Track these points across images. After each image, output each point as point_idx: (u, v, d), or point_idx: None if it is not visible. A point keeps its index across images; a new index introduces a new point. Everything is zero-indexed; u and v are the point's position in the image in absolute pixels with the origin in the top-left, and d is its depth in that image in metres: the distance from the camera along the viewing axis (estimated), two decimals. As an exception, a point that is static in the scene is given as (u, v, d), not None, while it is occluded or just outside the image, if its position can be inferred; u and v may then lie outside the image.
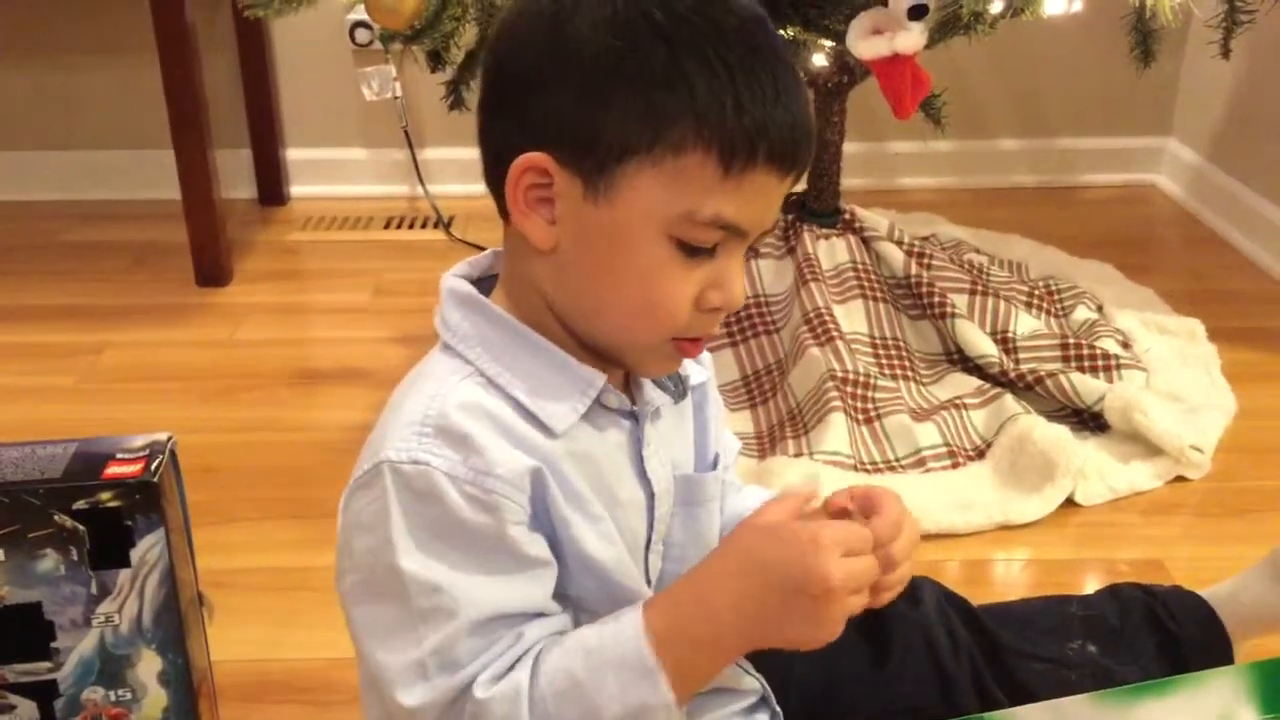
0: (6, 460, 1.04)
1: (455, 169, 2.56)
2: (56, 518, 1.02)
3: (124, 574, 1.04)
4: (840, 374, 1.66)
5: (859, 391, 1.67)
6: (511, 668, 0.74)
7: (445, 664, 0.73)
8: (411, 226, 2.52)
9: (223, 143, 2.29)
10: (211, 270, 2.22)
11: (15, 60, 2.53)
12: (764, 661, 0.93)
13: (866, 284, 1.83)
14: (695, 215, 0.74)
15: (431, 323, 0.82)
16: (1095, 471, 1.59)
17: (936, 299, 1.80)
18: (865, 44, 1.51)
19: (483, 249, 0.85)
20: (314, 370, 1.97)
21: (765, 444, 1.67)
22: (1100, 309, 2.00)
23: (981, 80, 2.57)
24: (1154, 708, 0.91)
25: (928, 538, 1.49)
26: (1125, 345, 1.89)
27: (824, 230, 1.87)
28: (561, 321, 0.79)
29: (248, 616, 1.35)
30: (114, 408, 1.83)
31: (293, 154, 2.64)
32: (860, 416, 1.65)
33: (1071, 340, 1.82)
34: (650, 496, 0.84)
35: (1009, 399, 1.69)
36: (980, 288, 1.87)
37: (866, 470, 1.59)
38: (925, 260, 1.87)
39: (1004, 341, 1.80)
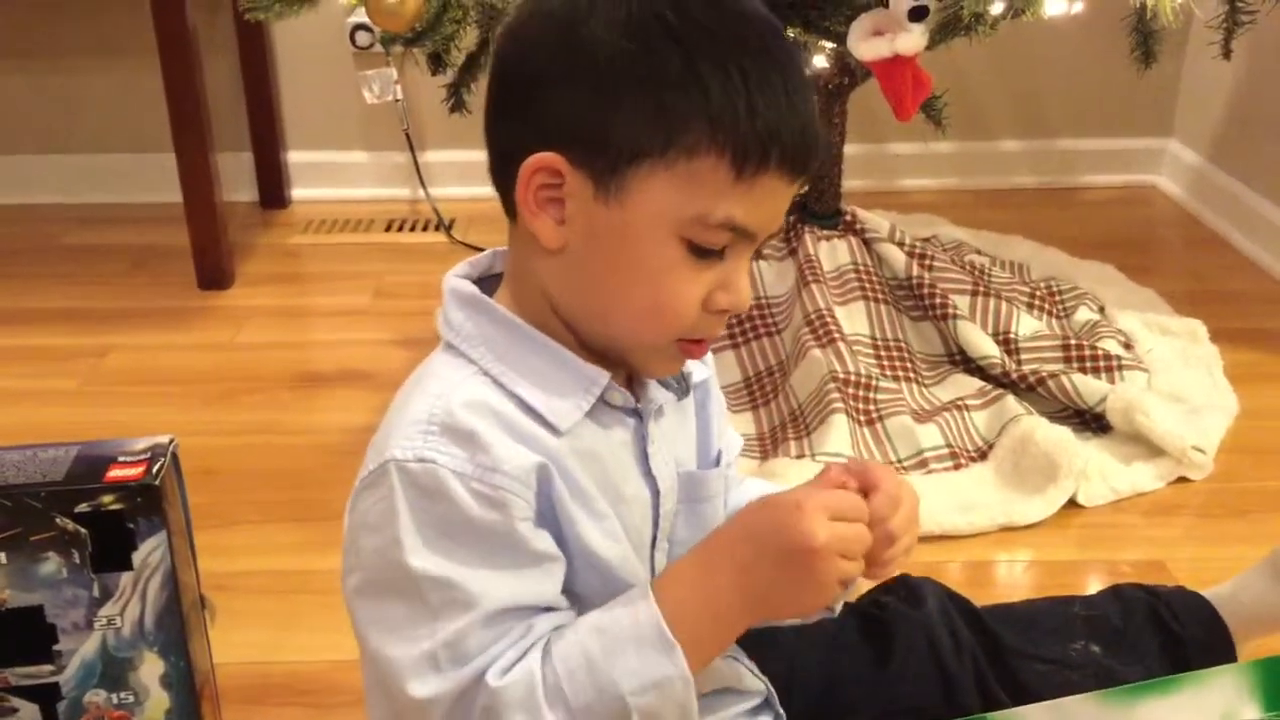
0: (8, 463, 1.04)
1: (456, 172, 2.56)
2: (58, 521, 1.02)
3: (126, 577, 1.05)
4: (842, 375, 1.66)
5: (861, 393, 1.67)
6: (523, 657, 0.74)
7: (456, 656, 0.73)
8: (412, 229, 2.52)
9: (224, 146, 2.29)
10: (213, 273, 2.22)
11: (15, 63, 2.53)
12: (766, 662, 0.94)
13: (868, 285, 1.83)
14: (707, 218, 0.74)
15: (433, 325, 0.82)
16: (1097, 472, 1.59)
17: (938, 300, 1.80)
18: (866, 45, 1.51)
19: (484, 251, 0.86)
20: (315, 373, 1.97)
21: (767, 445, 1.67)
22: (1102, 310, 2.00)
23: (982, 81, 2.57)
24: (1157, 706, 0.91)
25: (930, 539, 1.49)
26: (1127, 346, 1.89)
27: (825, 232, 1.87)
28: (566, 321, 0.80)
29: (249, 619, 1.35)
30: (116, 411, 1.83)
31: (294, 157, 2.64)
32: (862, 418, 1.65)
33: (1073, 341, 1.82)
34: (655, 494, 0.84)
35: (1011, 400, 1.69)
36: (982, 289, 1.87)
37: (868, 471, 1.59)
38: (927, 261, 1.87)
39: (1006, 343, 1.80)
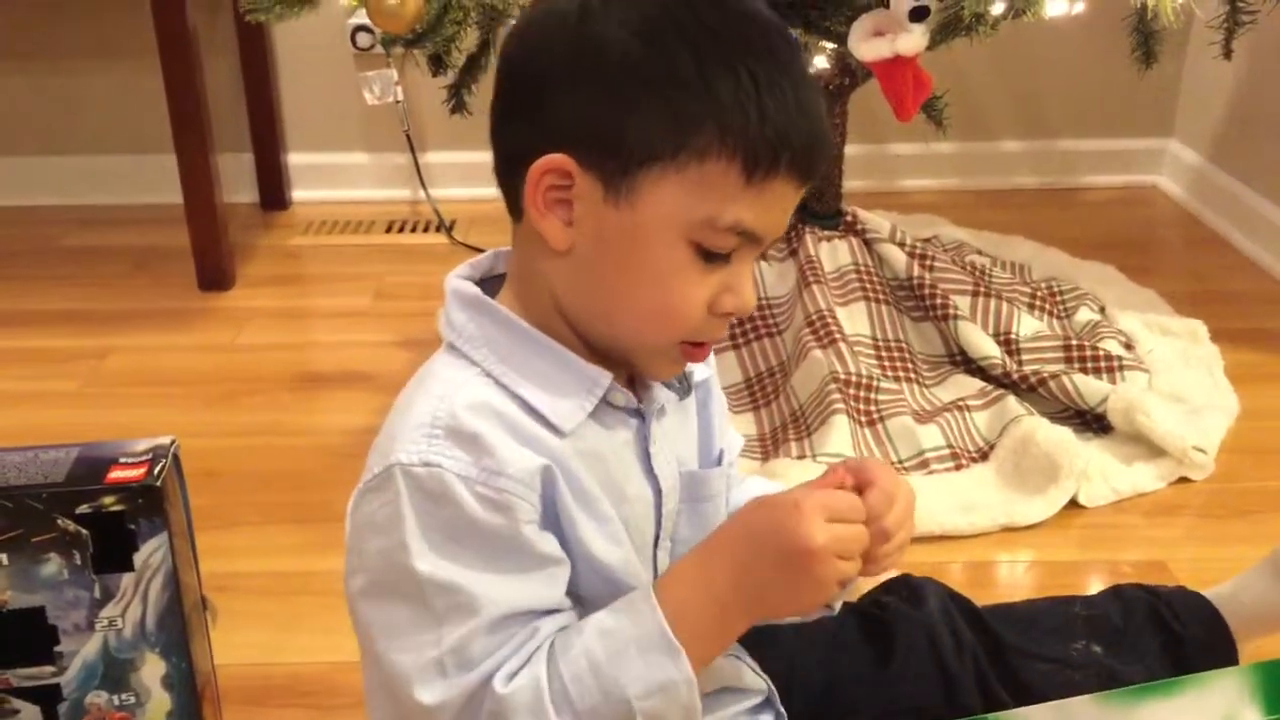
0: (9, 465, 1.04)
1: (457, 173, 2.56)
2: (60, 522, 1.02)
3: (127, 578, 1.05)
4: (843, 376, 1.66)
5: (861, 393, 1.67)
6: (528, 662, 0.74)
7: (462, 662, 0.73)
8: (413, 230, 2.52)
9: (224, 147, 2.29)
10: (214, 275, 2.22)
11: (15, 64, 2.53)
12: (767, 661, 0.94)
13: (869, 286, 1.83)
14: (716, 221, 0.75)
15: (434, 326, 0.82)
16: (1098, 473, 1.59)
17: (939, 301, 1.80)
18: (867, 46, 1.51)
19: (485, 252, 0.86)
20: (316, 374, 1.97)
21: (768, 446, 1.67)
22: (1102, 310, 2.00)
23: (983, 82, 2.57)
24: (1158, 709, 0.91)
25: (931, 540, 1.49)
26: (1128, 346, 1.89)
27: (826, 232, 1.87)
28: (570, 322, 0.80)
29: (251, 620, 1.35)
30: (117, 412, 1.83)
31: (294, 158, 2.64)
32: (863, 418, 1.65)
33: (1074, 342, 1.82)
34: (657, 493, 0.84)
35: (1012, 400, 1.69)
36: (982, 289, 1.87)
37: (869, 472, 1.59)
38: (927, 262, 1.87)
39: (1006, 343, 1.80)
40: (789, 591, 0.76)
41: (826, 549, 0.74)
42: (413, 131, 2.55)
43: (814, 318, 1.74)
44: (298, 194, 2.65)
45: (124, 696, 1.08)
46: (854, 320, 1.78)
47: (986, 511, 1.53)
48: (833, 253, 1.85)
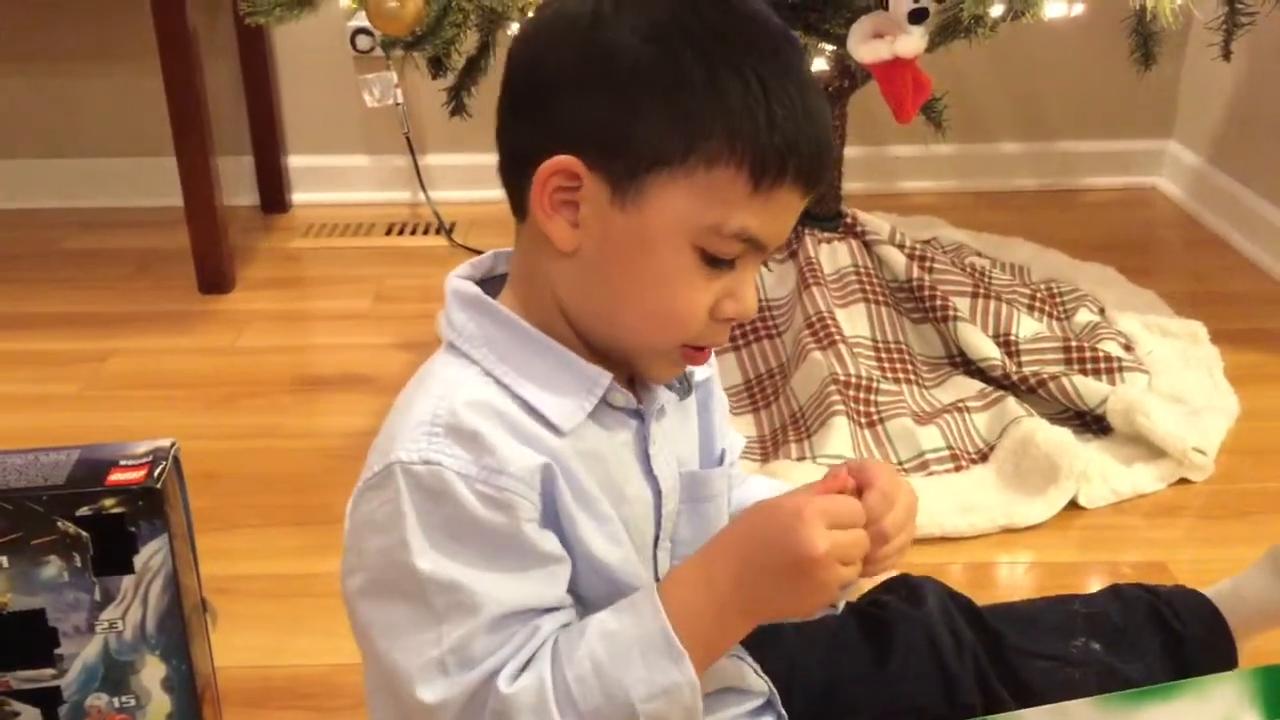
0: (10, 467, 1.04)
1: (457, 175, 2.57)
2: (60, 524, 1.02)
3: (127, 580, 1.05)
4: (842, 377, 1.67)
5: (861, 395, 1.67)
6: (530, 660, 0.74)
7: (463, 661, 0.73)
8: (413, 232, 2.52)
9: (224, 149, 2.29)
10: (214, 277, 2.22)
11: (16, 66, 2.53)
12: (767, 661, 0.94)
13: (868, 287, 1.83)
14: (722, 228, 0.75)
15: (433, 328, 0.82)
16: (1098, 474, 1.59)
17: (938, 302, 1.80)
18: (866, 48, 1.51)
19: (485, 253, 0.86)
20: (316, 377, 1.97)
21: (768, 448, 1.67)
22: (1102, 311, 2.00)
23: (982, 83, 2.57)
24: (1158, 712, 0.91)
25: (931, 541, 1.49)
26: (1127, 348, 1.89)
27: (825, 234, 1.87)
28: (571, 323, 0.80)
29: (251, 622, 1.35)
30: (117, 415, 1.84)
31: (294, 161, 2.64)
32: (863, 420, 1.65)
33: (1074, 343, 1.82)
34: (657, 494, 0.84)
35: (1011, 402, 1.69)
36: (982, 291, 1.87)
37: (869, 473, 1.59)
38: (927, 263, 1.87)
39: (1006, 344, 1.80)
40: (791, 596, 0.77)
41: (829, 556, 0.74)
42: (412, 134, 2.55)
43: (814, 319, 1.74)
44: (298, 196, 2.65)
45: (124, 699, 1.08)
46: (854, 322, 1.78)
47: (986, 513, 1.53)
48: (832, 255, 1.85)
